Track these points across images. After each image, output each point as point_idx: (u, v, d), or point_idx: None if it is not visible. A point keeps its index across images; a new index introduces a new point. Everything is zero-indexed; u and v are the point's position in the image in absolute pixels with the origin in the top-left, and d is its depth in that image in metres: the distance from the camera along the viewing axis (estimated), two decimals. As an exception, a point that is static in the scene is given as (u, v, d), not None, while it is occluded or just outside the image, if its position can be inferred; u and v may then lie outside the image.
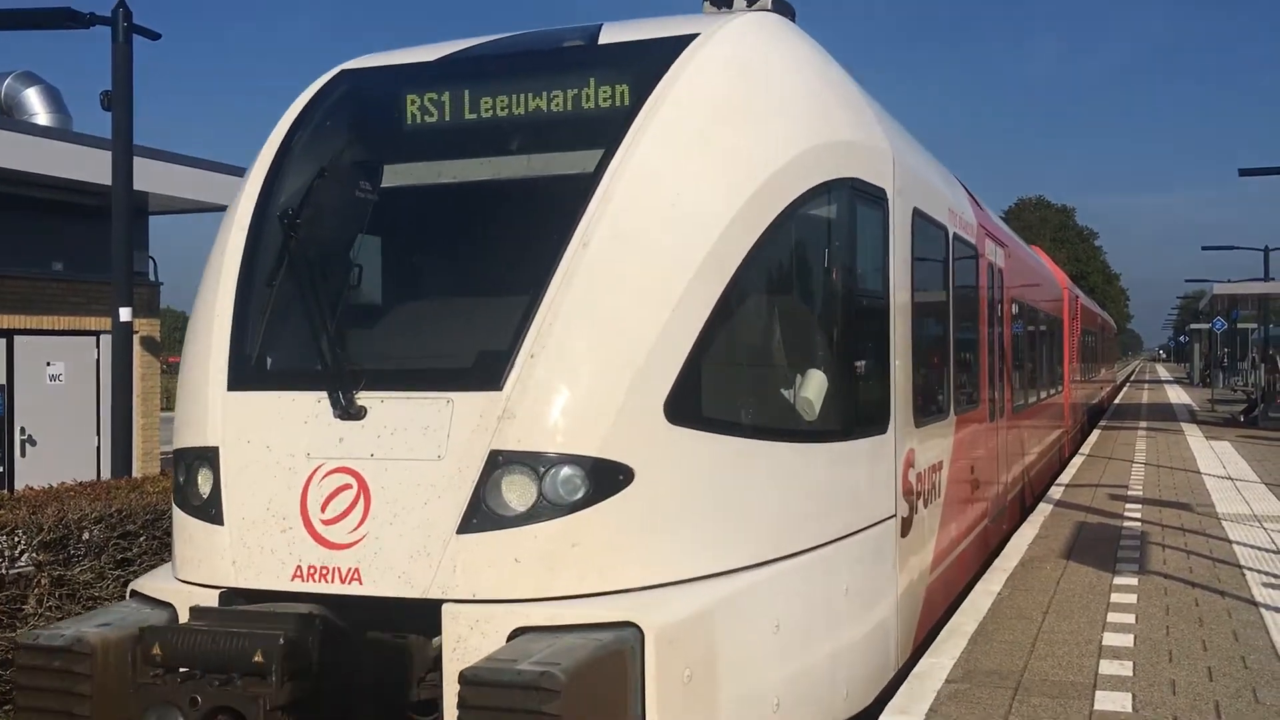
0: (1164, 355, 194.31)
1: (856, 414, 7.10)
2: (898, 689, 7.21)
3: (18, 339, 17.51)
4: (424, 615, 5.39)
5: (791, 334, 6.76)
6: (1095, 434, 28.76)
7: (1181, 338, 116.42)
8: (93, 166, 17.18)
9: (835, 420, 6.80)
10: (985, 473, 11.80)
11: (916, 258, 8.50)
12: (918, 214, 8.58)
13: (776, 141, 6.45)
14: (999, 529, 12.86)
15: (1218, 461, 21.77)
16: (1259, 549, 12.23)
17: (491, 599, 5.31)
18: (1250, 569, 11.12)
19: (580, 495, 5.39)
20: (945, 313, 9.98)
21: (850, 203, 7.11)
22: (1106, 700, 7.06)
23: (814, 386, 6.66)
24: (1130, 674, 7.62)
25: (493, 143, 6.56)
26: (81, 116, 22.10)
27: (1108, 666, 7.80)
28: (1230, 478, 19.02)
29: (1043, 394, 18.34)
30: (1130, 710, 6.88)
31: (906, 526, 8.09)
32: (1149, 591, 10.12)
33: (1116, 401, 47.58)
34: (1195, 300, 54.49)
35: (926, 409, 8.89)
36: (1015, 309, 14.62)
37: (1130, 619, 9.13)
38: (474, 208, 6.57)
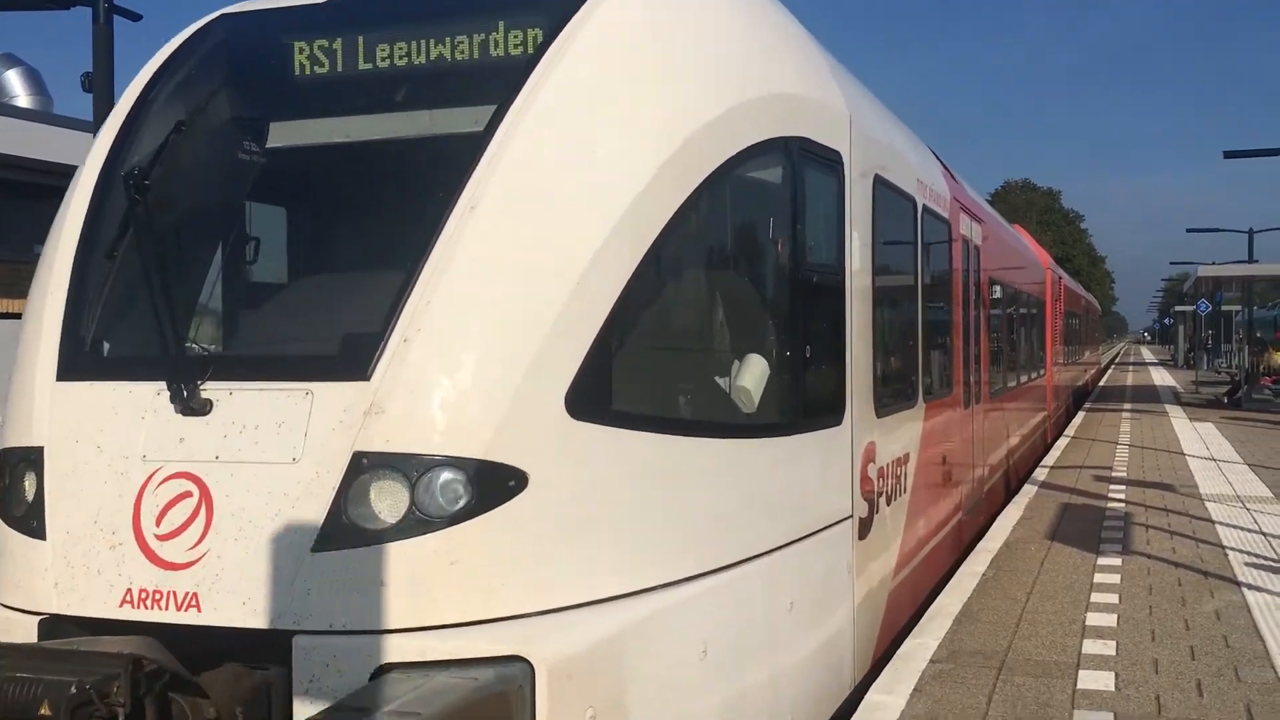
0: (1149, 338, 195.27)
1: (805, 404, 6.35)
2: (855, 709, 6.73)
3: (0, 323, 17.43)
4: (278, 649, 4.54)
5: (726, 315, 5.95)
6: (1080, 416, 28.87)
7: (1166, 320, 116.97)
8: (74, 149, 17.08)
9: (779, 412, 6.05)
10: (959, 463, 11.20)
11: (879, 230, 7.69)
12: (880, 182, 7.78)
13: (706, 92, 5.61)
14: (974, 522, 12.29)
15: (1201, 443, 21.89)
16: (1242, 529, 12.31)
17: (352, 630, 4.47)
18: (1233, 549, 11.19)
19: (461, 505, 4.56)
20: (914, 292, 9.25)
21: (798, 166, 6.30)
22: (1090, 679, 7.10)
23: (753, 374, 5.88)
24: (1113, 653, 7.67)
25: (389, 97, 5.69)
26: (63, 98, 21.98)
27: (1091, 646, 7.84)
28: (1214, 459, 19.14)
29: (1023, 378, 17.72)
30: (1113, 689, 6.92)
31: (865, 527, 7.35)
32: (1132, 572, 10.18)
33: (1101, 384, 47.77)
34: (1180, 283, 54.73)
35: (891, 397, 8.22)
36: (993, 289, 14.04)
37: (1114, 599, 9.18)
38: (357, 171, 5.78)
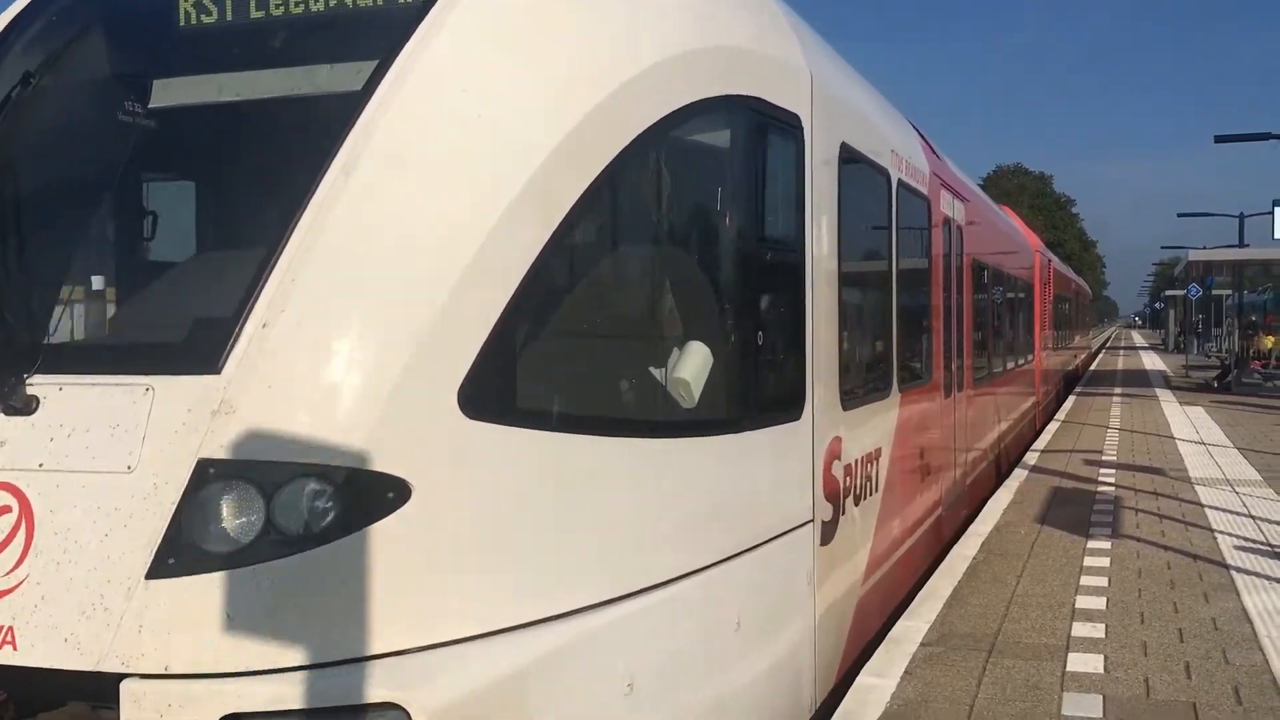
0: (1140, 322, 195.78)
1: (756, 397, 5.62)
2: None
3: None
4: (106, 694, 3.78)
5: (660, 296, 5.19)
6: (1071, 400, 28.95)
7: (1157, 304, 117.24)
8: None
9: (724, 406, 5.32)
10: (939, 455, 10.58)
11: (846, 204, 6.94)
12: (848, 151, 7.04)
13: (633, 40, 4.89)
14: (956, 516, 11.69)
15: (1191, 427, 21.97)
16: (1231, 513, 12.37)
17: (192, 673, 3.69)
18: (1222, 532, 11.25)
19: (328, 521, 3.79)
20: (887, 274, 8.53)
21: (748, 128, 5.59)
22: (1079, 662, 7.14)
23: (692, 364, 5.12)
24: (1102, 636, 7.71)
25: (263, 52, 4.88)
26: None
27: (1080, 629, 7.88)
28: (1203, 443, 19.21)
29: (1010, 364, 17.10)
30: (1102, 671, 6.96)
31: (830, 532, 6.61)
32: (1122, 555, 10.22)
33: (1092, 368, 47.90)
34: (1171, 267, 54.81)
35: (861, 387, 7.52)
36: (978, 271, 13.40)
37: (1103, 582, 9.23)
38: (223, 135, 4.97)
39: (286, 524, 3.80)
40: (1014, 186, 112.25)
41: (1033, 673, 6.94)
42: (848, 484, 7.02)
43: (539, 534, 4.30)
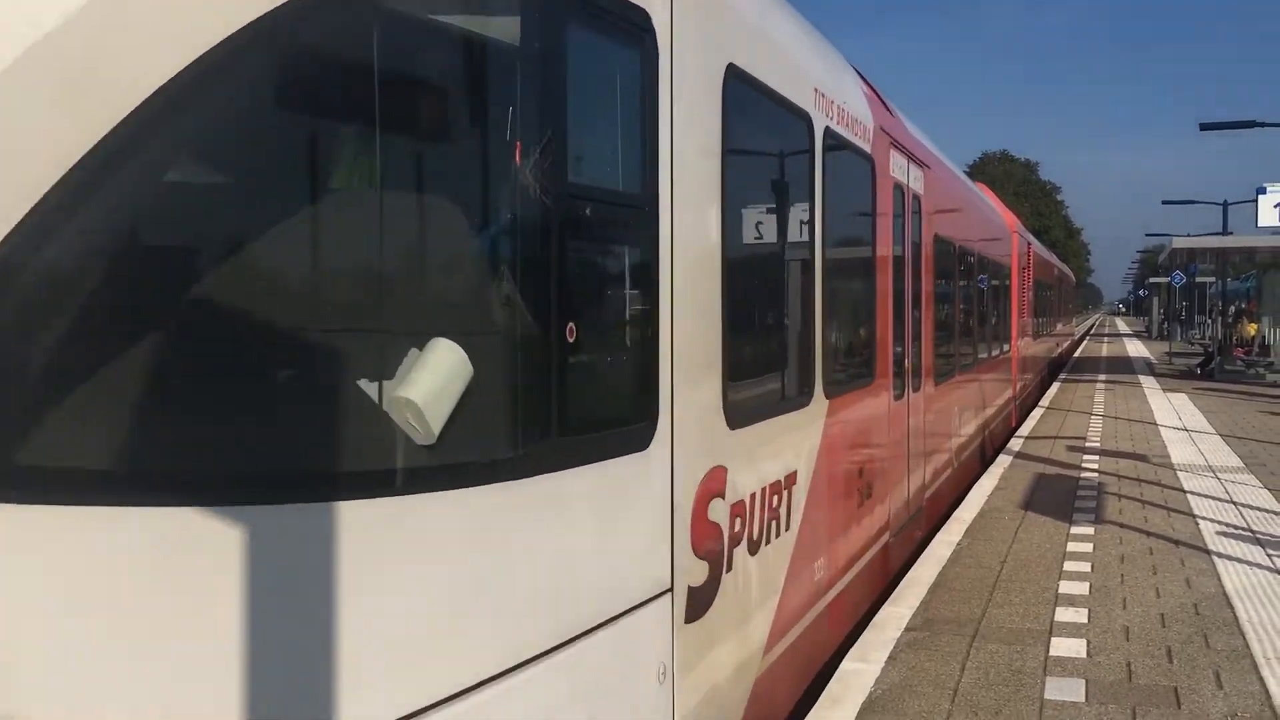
0: (1124, 309, 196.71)
1: (561, 422, 3.70)
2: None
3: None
4: None
5: (365, 269, 3.29)
6: (1055, 387, 29.06)
7: (1141, 291, 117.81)
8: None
9: (499, 440, 3.50)
10: (887, 471, 8.77)
11: (736, 149, 5.12)
12: (738, 77, 5.16)
13: None
14: (911, 538, 9.97)
15: (1174, 413, 22.09)
16: (1212, 499, 12.44)
17: None
18: (1204, 518, 11.32)
19: None
20: (809, 246, 6.54)
21: (551, 19, 3.72)
22: (1061, 646, 7.18)
23: (429, 378, 3.25)
24: (1085, 620, 7.75)
25: None
26: None
27: (1063, 614, 7.93)
28: (1186, 429, 19.31)
29: (981, 356, 15.51)
30: (1085, 656, 7.00)
31: (703, 600, 4.79)
32: (1105, 541, 10.28)
33: (1076, 355, 48.08)
34: (1155, 254, 55.06)
35: (761, 398, 5.79)
36: (941, 250, 11.55)
37: (1086, 567, 9.28)
38: None
39: None
40: (1000, 173, 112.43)
41: (1016, 657, 6.98)
42: (737, 530, 5.19)
43: (110, 675, 2.65)
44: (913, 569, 9.29)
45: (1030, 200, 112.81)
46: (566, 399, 3.75)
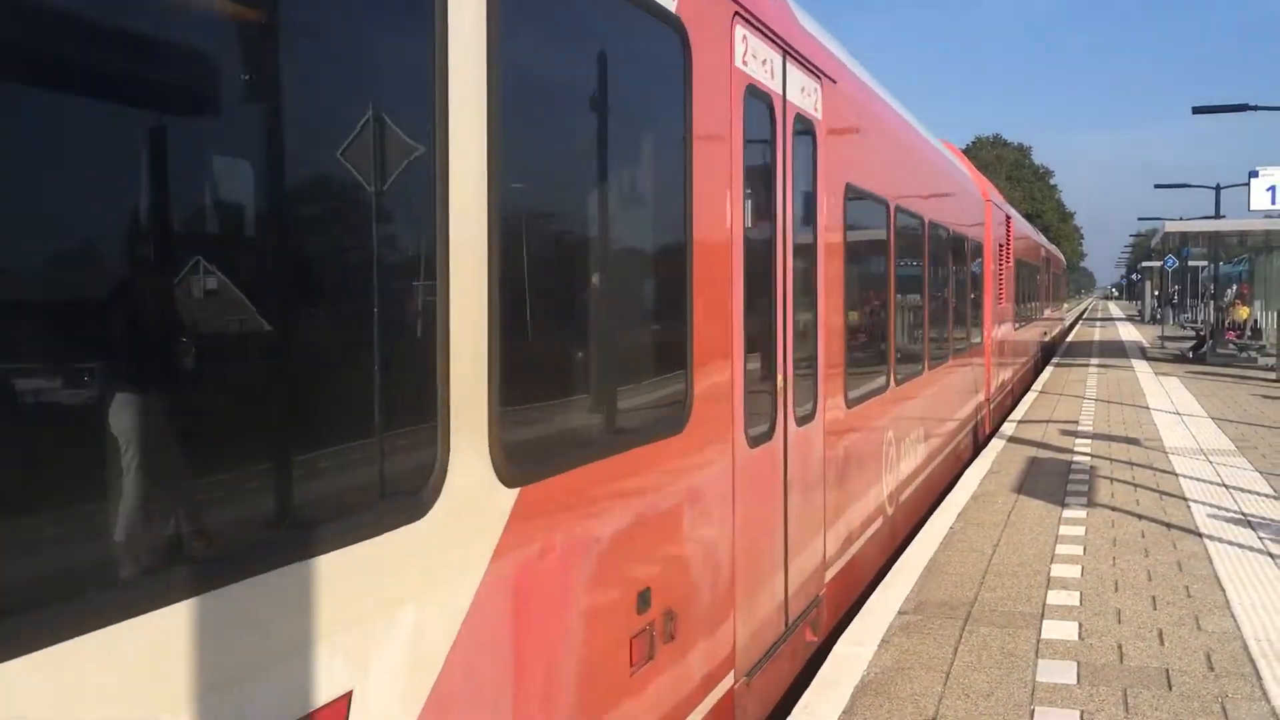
0: (1116, 293, 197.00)
1: None
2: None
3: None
4: None
5: None
6: (1048, 371, 29.10)
7: (1134, 275, 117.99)
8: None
9: None
10: (761, 549, 5.75)
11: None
12: None
13: None
14: (781, 675, 6.21)
15: (1166, 397, 22.14)
16: (1204, 482, 12.48)
17: None
18: (1195, 501, 11.35)
19: None
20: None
21: None
22: (1054, 629, 7.21)
23: None
24: (1077, 604, 7.78)
25: None
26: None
27: (1055, 597, 7.95)
28: (1178, 413, 19.36)
29: (933, 360, 11.79)
30: (1077, 639, 7.03)
31: None
32: (1097, 524, 10.31)
33: (1069, 340, 48.14)
34: (1147, 238, 55.12)
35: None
36: (854, 208, 7.78)
37: (1078, 550, 9.31)
38: None
39: None
40: (992, 158, 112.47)
41: (1008, 640, 7.01)
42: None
43: None
44: (905, 553, 9.31)
45: (1023, 185, 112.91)
46: None
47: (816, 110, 6.91)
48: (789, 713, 5.97)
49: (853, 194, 7.79)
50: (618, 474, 4.20)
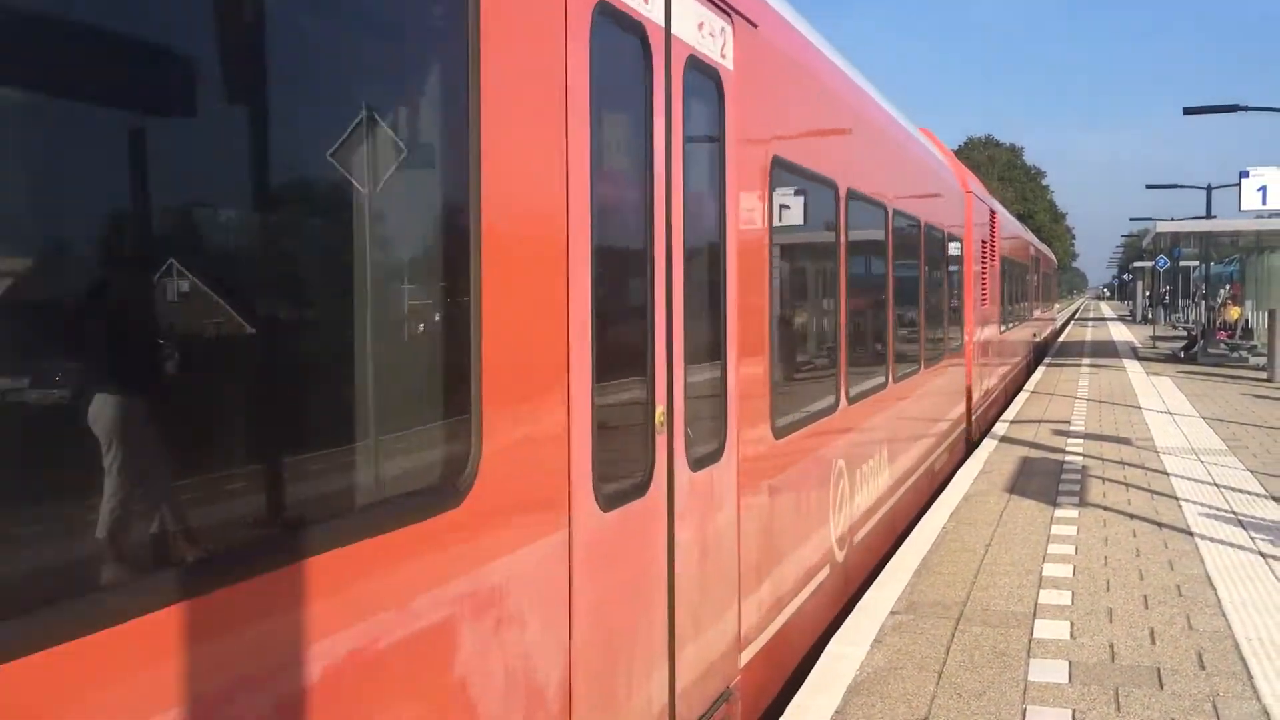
0: (1108, 294, 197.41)
1: None
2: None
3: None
4: None
5: None
6: (1040, 371, 29.14)
7: (1125, 275, 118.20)
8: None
9: None
10: (618, 646, 4.17)
11: None
12: None
13: None
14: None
15: (1158, 397, 22.18)
16: (1195, 481, 12.51)
17: None
18: (1186, 500, 11.38)
19: None
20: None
21: None
22: (1045, 628, 7.21)
23: None
24: (1069, 603, 7.79)
25: None
26: None
27: (1047, 596, 7.96)
28: (1169, 412, 19.40)
29: (900, 371, 10.20)
30: (1068, 638, 7.04)
31: None
32: (1088, 523, 10.33)
33: (1061, 340, 48.21)
34: (1139, 239, 55.20)
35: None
36: (781, 186, 6.20)
37: (1070, 550, 9.32)
38: None
39: None
40: (984, 158, 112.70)
41: (1000, 640, 7.01)
42: None
43: None
44: (897, 554, 9.32)
45: (1015, 185, 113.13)
46: None
47: (724, 57, 5.25)
48: (781, 713, 5.98)
49: (784, 169, 6.24)
50: (320, 587, 2.57)
